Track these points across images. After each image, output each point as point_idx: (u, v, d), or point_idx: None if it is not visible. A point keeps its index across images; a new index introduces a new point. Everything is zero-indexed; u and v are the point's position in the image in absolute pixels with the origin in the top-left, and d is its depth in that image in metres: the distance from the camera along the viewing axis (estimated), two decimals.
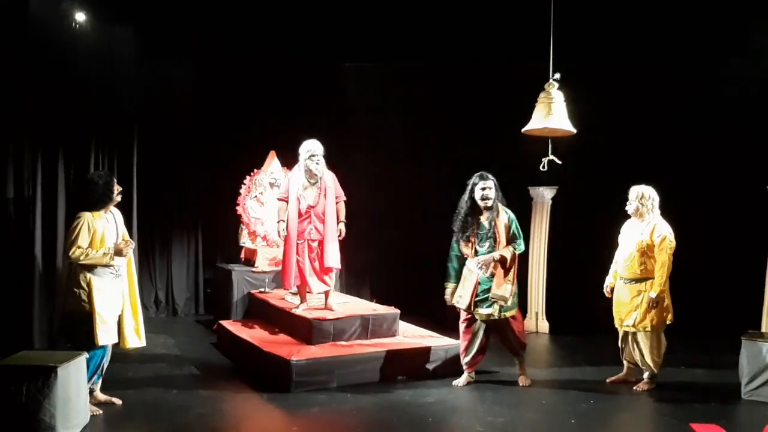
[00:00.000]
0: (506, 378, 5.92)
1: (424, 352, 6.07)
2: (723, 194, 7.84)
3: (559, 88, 5.53)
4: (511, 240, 5.61)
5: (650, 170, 6.21)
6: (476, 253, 5.63)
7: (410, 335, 6.50)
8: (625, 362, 5.81)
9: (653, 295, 5.42)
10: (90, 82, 7.14)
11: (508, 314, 5.60)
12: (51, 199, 6.69)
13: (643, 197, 5.54)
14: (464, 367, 5.77)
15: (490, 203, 5.60)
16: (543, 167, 5.68)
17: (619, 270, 5.71)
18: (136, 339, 5.02)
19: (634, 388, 5.62)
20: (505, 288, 5.51)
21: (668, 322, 5.58)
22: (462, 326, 5.75)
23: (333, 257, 6.46)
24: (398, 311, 6.58)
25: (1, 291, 6.25)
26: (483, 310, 5.58)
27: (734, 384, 5.48)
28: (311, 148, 6.42)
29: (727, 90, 7.59)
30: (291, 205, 6.49)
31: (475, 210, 5.66)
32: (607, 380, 5.82)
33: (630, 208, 5.62)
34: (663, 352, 5.59)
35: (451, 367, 6.04)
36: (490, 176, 5.65)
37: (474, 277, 5.61)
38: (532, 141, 5.82)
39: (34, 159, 6.60)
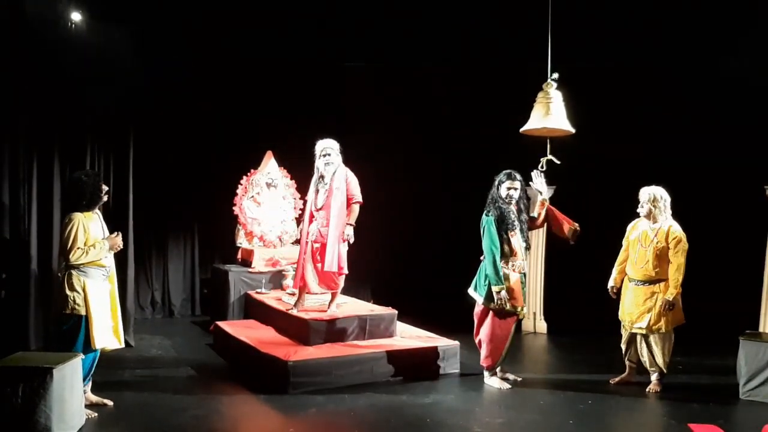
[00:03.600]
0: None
1: (422, 353, 6.06)
2: (721, 194, 7.84)
3: (557, 88, 5.53)
4: (533, 213, 5.87)
5: (648, 170, 6.20)
6: (514, 249, 5.63)
7: (408, 336, 6.48)
8: (627, 363, 5.79)
9: (670, 297, 5.39)
10: (86, 83, 7.09)
11: None
12: (47, 200, 6.65)
13: (655, 199, 5.48)
14: (498, 369, 5.77)
15: (513, 202, 5.63)
16: (542, 167, 5.68)
17: (628, 272, 5.66)
18: (115, 341, 4.99)
19: (647, 390, 5.58)
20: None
21: (683, 323, 5.56)
22: (502, 329, 5.65)
23: (328, 260, 6.26)
24: (396, 312, 6.56)
25: None
26: (524, 309, 5.76)
27: (732, 384, 5.48)
28: (320, 147, 6.39)
29: (724, 90, 7.59)
30: (307, 206, 6.56)
31: (509, 205, 5.66)
32: (611, 381, 5.80)
33: (642, 210, 5.55)
34: (671, 352, 5.58)
35: (448, 368, 6.04)
36: (518, 176, 5.64)
37: (517, 277, 5.64)
38: (530, 141, 5.82)
39: (30, 160, 6.56)
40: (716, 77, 7.70)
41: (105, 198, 4.98)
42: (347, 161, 6.58)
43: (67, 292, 4.72)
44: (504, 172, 5.67)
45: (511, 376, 5.90)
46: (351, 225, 6.34)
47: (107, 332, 4.86)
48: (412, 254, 8.86)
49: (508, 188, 5.61)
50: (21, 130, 6.52)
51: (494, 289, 5.51)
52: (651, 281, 5.50)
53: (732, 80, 7.55)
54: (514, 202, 5.65)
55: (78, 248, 4.68)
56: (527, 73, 5.88)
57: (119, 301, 5.13)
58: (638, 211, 5.59)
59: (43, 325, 6.56)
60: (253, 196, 8.42)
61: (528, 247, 5.78)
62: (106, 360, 5.10)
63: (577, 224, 5.74)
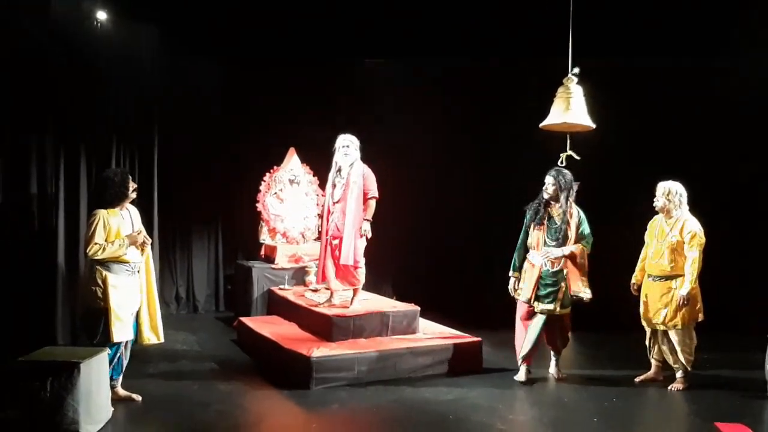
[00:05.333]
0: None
1: (445, 350, 6.05)
2: (747, 190, 7.72)
3: (578, 83, 5.48)
4: (579, 239, 5.58)
5: (671, 167, 6.11)
6: (544, 244, 5.59)
7: (430, 332, 6.47)
8: (653, 361, 5.74)
9: (684, 292, 5.34)
10: (112, 80, 7.20)
11: (565, 311, 5.67)
12: (73, 196, 6.75)
13: (669, 193, 5.46)
14: (520, 361, 5.73)
15: (546, 197, 5.59)
16: (561, 162, 5.65)
17: (647, 268, 5.63)
18: (153, 336, 5.07)
19: (669, 388, 5.53)
20: (579, 285, 5.53)
21: (699, 320, 5.50)
22: (519, 319, 5.70)
23: (344, 254, 6.29)
24: (418, 308, 6.56)
25: (24, 287, 6.32)
26: (545, 305, 5.60)
27: (760, 382, 5.39)
28: (340, 140, 6.42)
29: (740, 87, 7.44)
30: (325, 201, 6.60)
31: (549, 203, 5.62)
32: (636, 380, 5.75)
33: (657, 204, 5.54)
34: (693, 349, 5.52)
35: (471, 365, 6.03)
36: (560, 172, 5.57)
37: (536, 271, 5.59)
38: (550, 136, 5.77)
39: (57, 156, 6.66)
40: (732, 74, 7.57)
41: (133, 195, 5.02)
42: (369, 158, 6.58)
43: (90, 286, 4.81)
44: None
45: (555, 372, 5.86)
46: (368, 220, 6.37)
47: (128, 327, 4.90)
48: (435, 250, 8.84)
49: (545, 182, 5.61)
50: (49, 126, 6.62)
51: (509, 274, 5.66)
52: (667, 277, 5.47)
53: (751, 76, 7.42)
54: (547, 196, 5.59)
55: (95, 243, 4.74)
56: (548, 68, 5.83)
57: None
58: (654, 204, 5.57)
59: (71, 320, 6.66)
60: (276, 193, 8.46)
61: (557, 245, 5.60)
62: (131, 355, 5.16)
63: (586, 294, 5.53)
